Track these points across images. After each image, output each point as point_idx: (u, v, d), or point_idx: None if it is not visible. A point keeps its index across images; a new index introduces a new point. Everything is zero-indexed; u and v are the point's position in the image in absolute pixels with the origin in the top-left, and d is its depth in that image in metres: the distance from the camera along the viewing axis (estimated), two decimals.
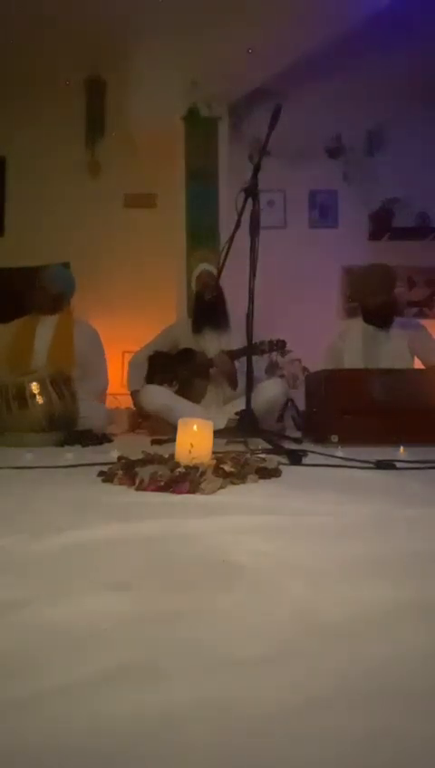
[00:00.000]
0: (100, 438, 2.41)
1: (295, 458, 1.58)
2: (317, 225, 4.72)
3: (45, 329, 2.92)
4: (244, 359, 2.43)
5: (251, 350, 2.15)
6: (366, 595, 0.52)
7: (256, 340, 2.25)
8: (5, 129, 4.67)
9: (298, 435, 2.55)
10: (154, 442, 2.19)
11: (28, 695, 0.34)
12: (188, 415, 1.92)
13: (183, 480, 1.10)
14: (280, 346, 2.40)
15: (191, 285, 3.23)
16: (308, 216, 4.72)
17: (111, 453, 1.61)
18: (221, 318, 2.97)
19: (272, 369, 3.79)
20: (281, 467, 1.36)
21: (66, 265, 3.87)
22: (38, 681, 0.36)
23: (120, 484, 1.18)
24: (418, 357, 2.84)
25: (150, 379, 3.09)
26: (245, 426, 2.09)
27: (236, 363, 2.82)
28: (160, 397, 2.81)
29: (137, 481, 1.14)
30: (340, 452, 1.80)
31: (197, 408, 2.79)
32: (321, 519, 0.85)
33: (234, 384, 2.85)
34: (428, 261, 4.61)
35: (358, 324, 2.91)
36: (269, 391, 2.68)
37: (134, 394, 3.06)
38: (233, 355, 2.79)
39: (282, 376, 2.50)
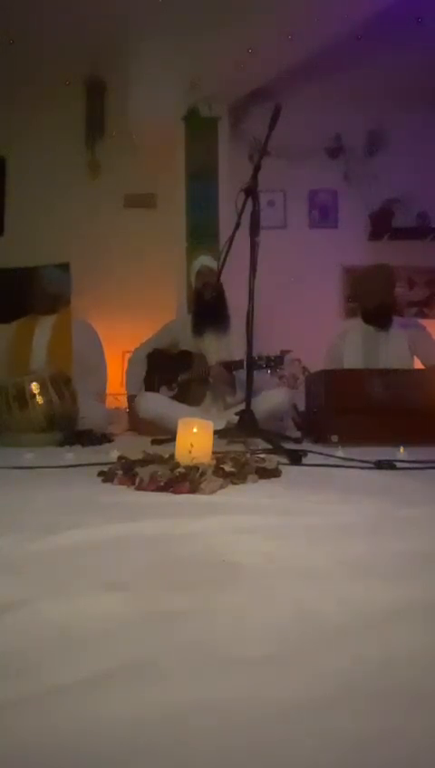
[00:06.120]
0: (100, 438, 2.41)
1: (295, 458, 1.59)
2: (317, 225, 4.72)
3: (44, 329, 2.92)
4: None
5: (250, 356, 2.14)
6: (366, 595, 0.52)
7: (257, 348, 2.22)
8: (5, 129, 4.67)
9: (298, 435, 2.55)
10: (154, 442, 2.19)
11: (28, 695, 0.34)
12: None
13: (183, 480, 1.10)
14: (278, 363, 2.39)
15: (191, 282, 3.18)
16: (308, 216, 4.72)
17: (111, 453, 1.61)
18: (222, 318, 2.93)
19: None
20: (281, 467, 1.36)
21: (65, 265, 3.87)
22: (38, 681, 0.36)
23: (120, 484, 1.18)
24: (418, 357, 2.84)
25: (150, 378, 3.07)
26: (245, 426, 2.08)
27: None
28: (158, 405, 2.77)
29: (137, 481, 1.14)
30: (340, 452, 1.80)
31: (196, 414, 2.77)
32: (321, 519, 0.85)
33: (233, 391, 2.83)
34: (428, 261, 4.61)
35: (358, 324, 2.90)
36: (273, 400, 2.65)
37: (131, 399, 3.03)
38: (230, 366, 2.75)
39: (282, 376, 2.48)
